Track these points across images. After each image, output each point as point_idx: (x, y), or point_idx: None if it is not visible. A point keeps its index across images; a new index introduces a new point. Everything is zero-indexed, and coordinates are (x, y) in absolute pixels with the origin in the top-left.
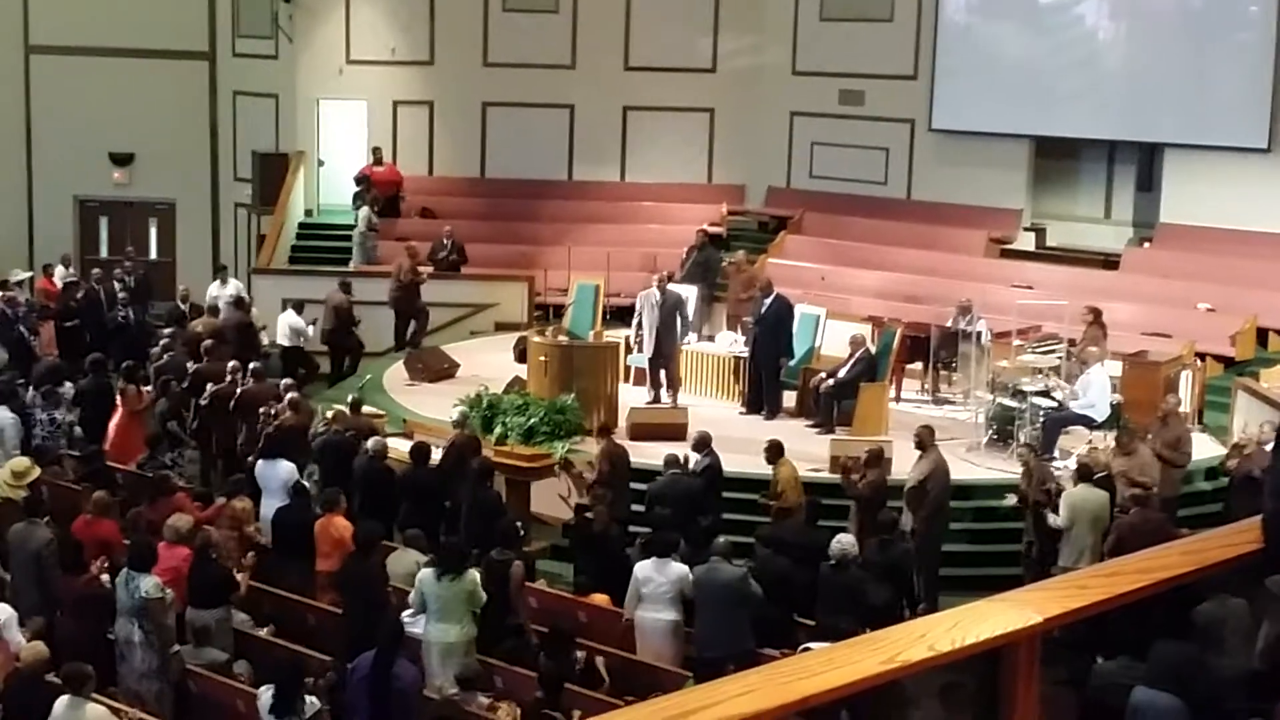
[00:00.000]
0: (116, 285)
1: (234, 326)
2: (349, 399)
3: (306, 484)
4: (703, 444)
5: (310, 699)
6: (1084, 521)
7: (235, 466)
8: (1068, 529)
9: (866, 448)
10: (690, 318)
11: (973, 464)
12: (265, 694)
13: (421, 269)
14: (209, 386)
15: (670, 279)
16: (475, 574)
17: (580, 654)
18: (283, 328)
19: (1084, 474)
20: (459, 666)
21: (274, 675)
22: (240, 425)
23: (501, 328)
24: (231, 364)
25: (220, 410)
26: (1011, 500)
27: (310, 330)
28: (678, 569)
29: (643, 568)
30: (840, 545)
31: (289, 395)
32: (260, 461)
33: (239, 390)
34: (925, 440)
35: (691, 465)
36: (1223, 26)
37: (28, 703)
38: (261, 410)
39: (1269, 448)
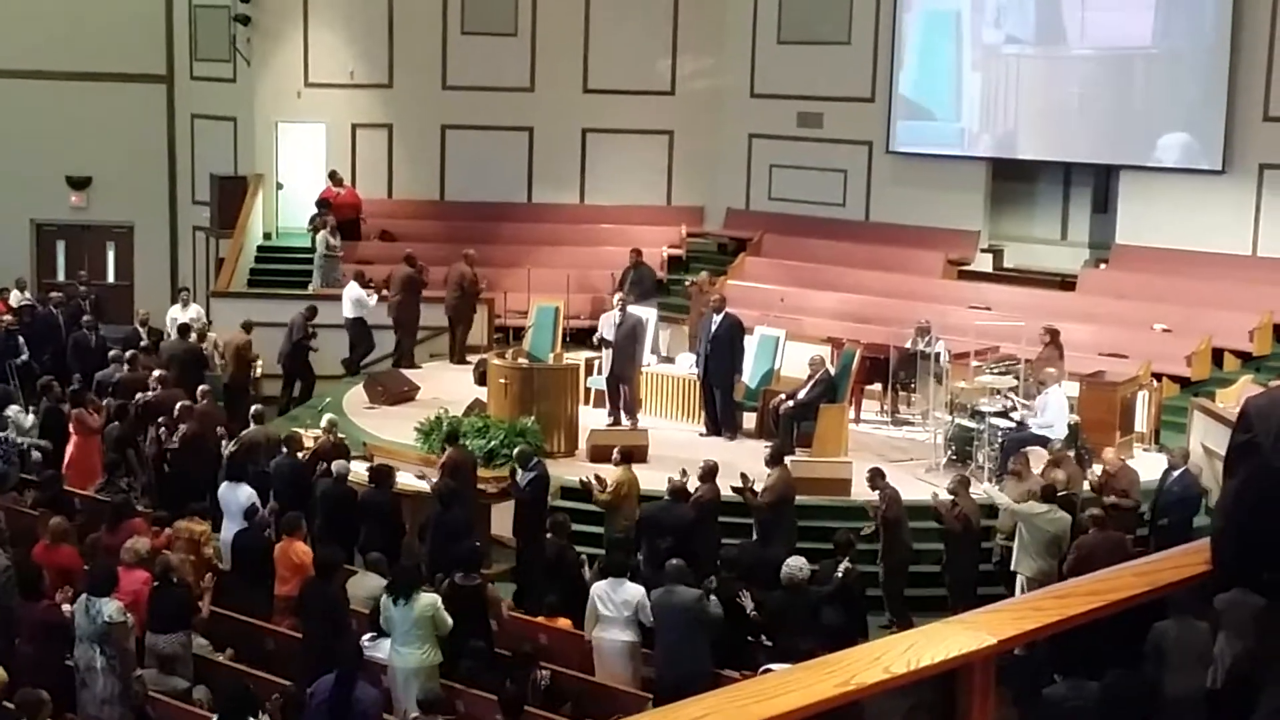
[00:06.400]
0: (55, 309)
1: (181, 355)
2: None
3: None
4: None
5: None
6: (1038, 540)
7: (179, 485)
8: (1015, 538)
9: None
10: (648, 340)
11: (931, 484)
12: None
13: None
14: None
15: (626, 301)
16: (431, 598)
17: (545, 673)
18: (347, 300)
19: (1047, 494)
20: (422, 691)
21: (221, 702)
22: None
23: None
24: (157, 372)
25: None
26: (869, 528)
27: (372, 301)
28: (631, 589)
29: (598, 588)
30: (789, 569)
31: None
32: (223, 484)
33: (146, 396)
34: (776, 457)
35: (520, 478)
36: (1177, 49)
37: None
38: (160, 420)
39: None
